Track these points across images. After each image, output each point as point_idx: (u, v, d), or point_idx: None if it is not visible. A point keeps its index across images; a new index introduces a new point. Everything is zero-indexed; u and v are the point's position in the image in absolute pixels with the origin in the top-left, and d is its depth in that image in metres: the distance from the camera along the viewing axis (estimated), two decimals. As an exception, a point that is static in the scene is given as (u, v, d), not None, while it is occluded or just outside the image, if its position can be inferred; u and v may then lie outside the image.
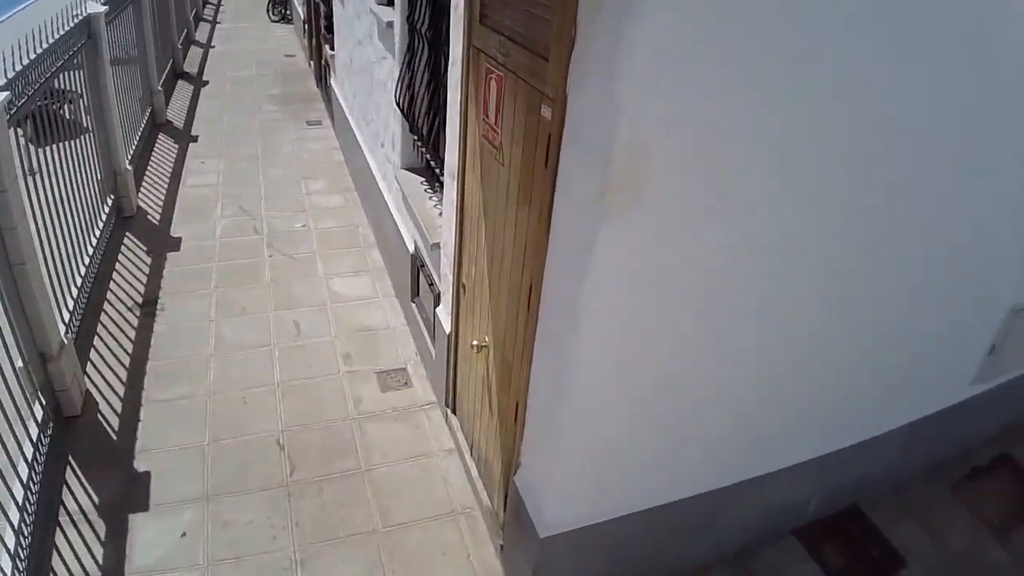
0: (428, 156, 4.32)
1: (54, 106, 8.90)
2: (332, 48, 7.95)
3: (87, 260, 5.13)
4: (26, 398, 3.66)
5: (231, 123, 8.88)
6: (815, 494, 3.50)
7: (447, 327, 3.86)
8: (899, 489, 3.83)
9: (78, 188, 5.14)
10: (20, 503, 3.22)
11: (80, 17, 5.65)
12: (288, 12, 15.40)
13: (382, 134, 5.27)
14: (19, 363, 3.65)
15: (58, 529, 3.40)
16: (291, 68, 11.56)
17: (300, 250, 5.90)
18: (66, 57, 5.29)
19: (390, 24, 4.47)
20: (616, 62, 1.79)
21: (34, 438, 3.62)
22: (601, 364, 2.39)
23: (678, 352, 2.50)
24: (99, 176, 5.88)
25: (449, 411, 4.09)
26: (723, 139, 2.02)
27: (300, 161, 7.77)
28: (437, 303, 4.07)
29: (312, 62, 10.73)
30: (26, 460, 3.45)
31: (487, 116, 2.82)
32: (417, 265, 4.49)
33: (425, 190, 4.44)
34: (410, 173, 4.68)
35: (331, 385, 4.42)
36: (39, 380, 3.84)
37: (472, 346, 3.29)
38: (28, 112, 8.54)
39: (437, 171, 4.13)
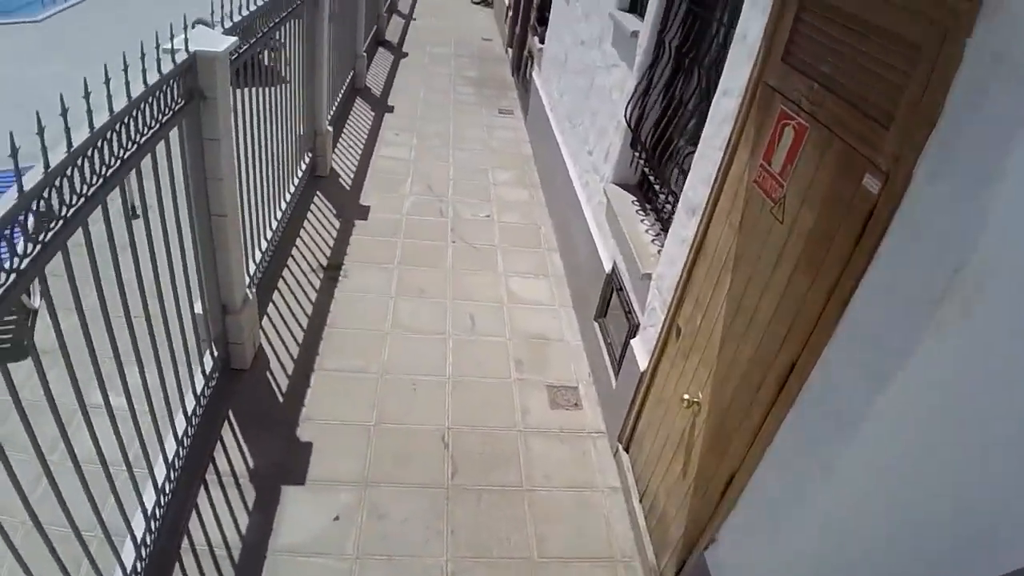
0: (652, 178, 4.08)
1: (256, 51, 9.38)
2: (541, 41, 7.85)
3: (279, 214, 5.23)
4: (198, 347, 3.65)
5: (426, 99, 8.98)
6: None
7: (642, 363, 3.61)
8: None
9: (282, 141, 5.19)
10: (170, 459, 3.18)
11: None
12: (490, -4, 15.56)
13: (592, 142, 5.08)
14: (197, 310, 3.64)
15: (203, 489, 3.36)
16: (488, 52, 11.62)
17: (482, 240, 5.82)
18: (291, 8, 5.32)
19: (634, 33, 4.24)
20: (1003, 162, 1.47)
21: (198, 390, 3.61)
22: (860, 479, 2.06)
23: (937, 480, 2.14)
24: (301, 132, 6.03)
25: (620, 446, 3.86)
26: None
27: (489, 149, 7.73)
28: (633, 334, 3.83)
29: (510, 50, 10.72)
30: (185, 413, 3.43)
31: (768, 164, 2.54)
32: (613, 287, 4.27)
33: (637, 211, 4.20)
34: (620, 189, 4.45)
35: (500, 389, 4.28)
36: (216, 331, 3.87)
37: (683, 400, 3.02)
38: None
39: (662, 196, 3.88)
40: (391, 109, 8.40)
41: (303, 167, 6.02)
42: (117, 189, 2.56)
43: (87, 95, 2.27)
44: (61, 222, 2.16)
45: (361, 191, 6.34)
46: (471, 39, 12.33)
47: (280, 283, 4.84)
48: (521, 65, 9.52)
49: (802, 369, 2.20)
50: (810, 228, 2.24)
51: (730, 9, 3.44)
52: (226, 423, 3.74)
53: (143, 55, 2.76)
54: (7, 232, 1.85)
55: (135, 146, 2.64)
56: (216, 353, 3.86)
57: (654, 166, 4.10)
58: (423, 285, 5.12)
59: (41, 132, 1.98)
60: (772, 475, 2.35)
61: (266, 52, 9.54)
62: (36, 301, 4.41)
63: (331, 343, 4.41)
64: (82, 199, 2.27)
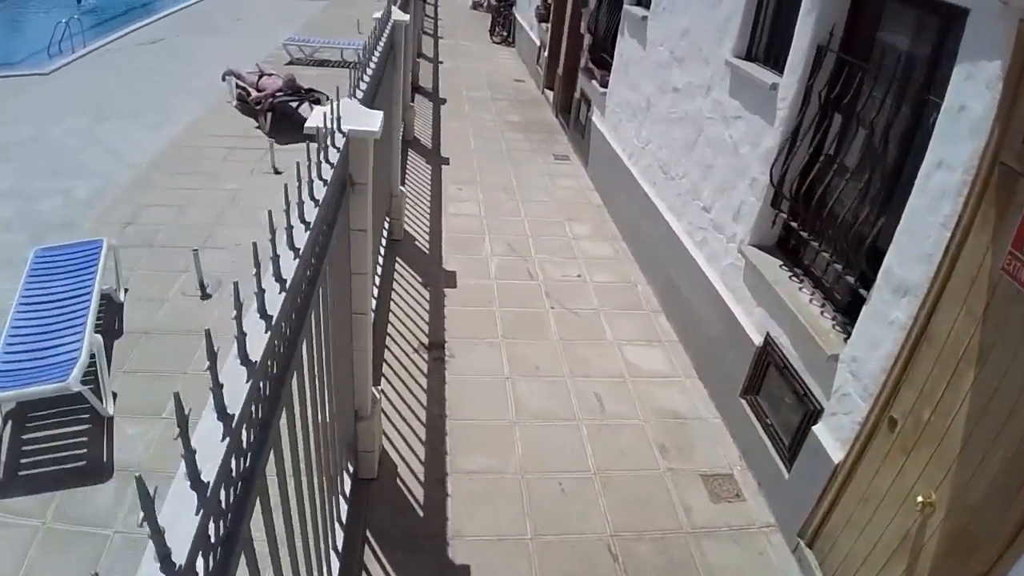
0: (815, 243, 3.71)
1: (292, 103, 9.05)
2: (602, 85, 7.53)
3: (375, 291, 4.85)
4: (340, 463, 3.21)
5: (478, 148, 8.66)
6: None
7: (834, 455, 3.23)
8: None
9: (373, 207, 4.77)
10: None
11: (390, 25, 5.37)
12: (509, 36, 15.34)
13: (708, 197, 4.72)
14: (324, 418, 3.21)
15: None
16: (524, 95, 11.33)
17: (580, 305, 5.44)
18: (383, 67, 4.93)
19: (774, 87, 3.91)
20: None
21: (344, 518, 3.16)
22: None
23: None
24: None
25: (802, 542, 3.46)
26: None
27: (556, 199, 7.37)
28: (813, 420, 3.44)
29: (553, 92, 10.42)
30: (336, 550, 2.96)
31: (1020, 252, 2.27)
32: (770, 363, 3.88)
33: (791, 277, 3.84)
34: (761, 251, 4.09)
35: (653, 483, 3.86)
36: (349, 441, 3.46)
37: (918, 502, 2.66)
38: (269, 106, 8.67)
39: (837, 265, 3.50)
40: (447, 161, 8.06)
41: (384, 234, 5.66)
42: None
43: (288, 206, 1.90)
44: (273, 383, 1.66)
45: (441, 254, 5.96)
46: (503, 81, 12.05)
47: (385, 369, 4.44)
48: (570, 108, 9.22)
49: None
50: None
51: (904, 62, 3.15)
52: (367, 546, 3.33)
53: (322, 138, 2.40)
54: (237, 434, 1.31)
55: (317, 260, 2.25)
56: (351, 469, 3.45)
57: (814, 229, 3.74)
58: (535, 361, 4.72)
59: (259, 277, 1.60)
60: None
61: (307, 104, 9.25)
62: (111, 408, 4.02)
63: (457, 438, 4.00)
64: (285, 344, 1.80)
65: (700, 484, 3.89)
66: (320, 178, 2.30)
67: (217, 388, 1.17)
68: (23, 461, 3.72)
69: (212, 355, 1.11)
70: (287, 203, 1.85)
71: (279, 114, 8.70)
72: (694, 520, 3.67)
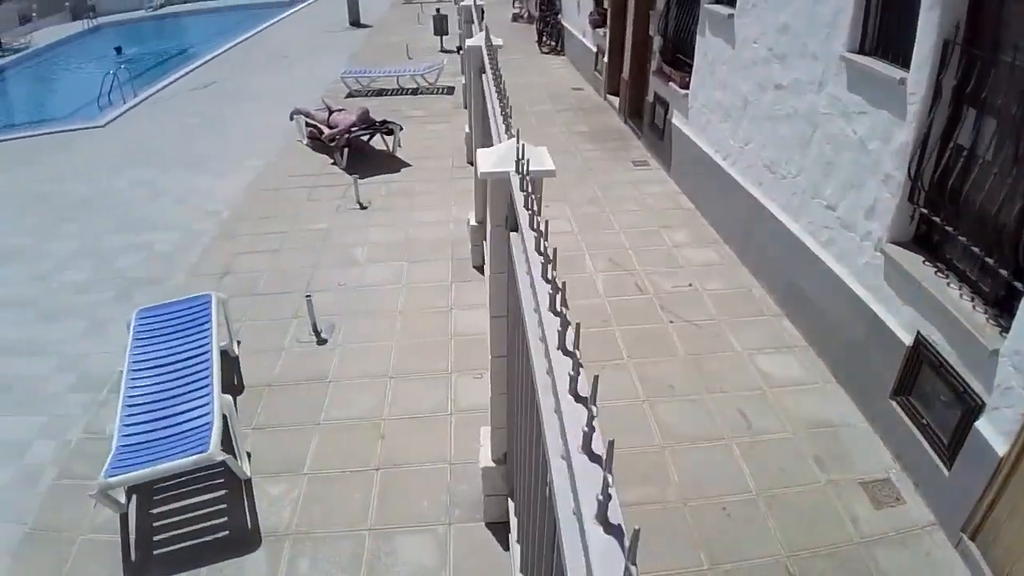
0: (963, 238, 3.56)
1: (364, 137, 9.10)
2: (682, 87, 7.41)
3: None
4: None
5: (554, 162, 8.57)
6: None
7: (999, 448, 3.16)
8: None
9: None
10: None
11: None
12: (558, 45, 15.26)
13: (832, 195, 4.58)
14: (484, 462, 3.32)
15: None
16: (586, 103, 11.25)
17: (699, 315, 5.33)
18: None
19: (902, 81, 3.77)
20: None
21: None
22: None
23: None
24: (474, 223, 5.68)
25: (965, 536, 3.38)
26: None
27: (647, 207, 7.26)
28: (975, 416, 3.32)
29: (618, 98, 10.30)
30: None
31: None
32: (923, 362, 3.74)
33: (936, 273, 3.70)
34: (902, 248, 3.95)
35: (816, 497, 3.74)
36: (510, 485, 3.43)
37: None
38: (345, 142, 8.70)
39: (990, 259, 3.36)
40: (527, 179, 8.01)
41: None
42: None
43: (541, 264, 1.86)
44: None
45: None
46: (562, 91, 11.98)
47: (519, 401, 4.39)
48: (641, 112, 9.11)
49: None
50: None
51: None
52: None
53: (520, 186, 2.32)
54: None
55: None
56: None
57: (957, 224, 3.59)
58: (667, 380, 4.63)
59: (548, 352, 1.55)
60: None
61: (381, 135, 9.27)
62: (247, 469, 3.94)
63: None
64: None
65: (862, 492, 3.77)
66: (535, 229, 2.25)
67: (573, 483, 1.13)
68: (157, 538, 3.58)
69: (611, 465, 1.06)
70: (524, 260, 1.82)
71: (354, 149, 8.78)
72: (862, 529, 3.56)
